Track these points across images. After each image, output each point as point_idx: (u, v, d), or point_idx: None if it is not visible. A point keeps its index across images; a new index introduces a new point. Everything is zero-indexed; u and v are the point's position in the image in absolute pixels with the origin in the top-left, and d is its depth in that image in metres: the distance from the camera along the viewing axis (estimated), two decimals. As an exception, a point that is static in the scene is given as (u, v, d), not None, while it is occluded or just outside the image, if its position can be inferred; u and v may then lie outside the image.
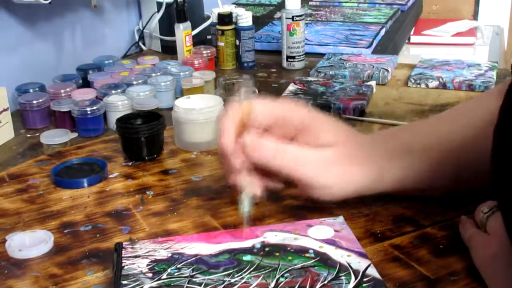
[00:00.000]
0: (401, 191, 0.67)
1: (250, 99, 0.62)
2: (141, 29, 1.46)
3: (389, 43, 1.49)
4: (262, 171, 0.62)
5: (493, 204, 0.60)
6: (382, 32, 1.54)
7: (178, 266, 0.56)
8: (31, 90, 1.06)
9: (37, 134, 0.96)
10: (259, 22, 1.61)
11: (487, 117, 0.54)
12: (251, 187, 0.62)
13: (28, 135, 1.00)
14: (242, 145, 0.60)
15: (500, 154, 0.45)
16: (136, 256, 0.57)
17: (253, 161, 0.61)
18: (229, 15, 1.31)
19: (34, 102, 1.01)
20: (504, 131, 0.44)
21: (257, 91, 0.99)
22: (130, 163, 0.83)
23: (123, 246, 0.59)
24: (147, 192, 0.75)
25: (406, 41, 1.88)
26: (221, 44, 1.31)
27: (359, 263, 0.55)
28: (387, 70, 1.18)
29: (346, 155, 0.63)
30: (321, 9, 1.82)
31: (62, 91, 1.05)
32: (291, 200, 0.72)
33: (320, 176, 0.62)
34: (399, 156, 0.65)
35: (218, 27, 1.32)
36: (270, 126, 0.63)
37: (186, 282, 0.53)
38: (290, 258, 0.56)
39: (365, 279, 0.53)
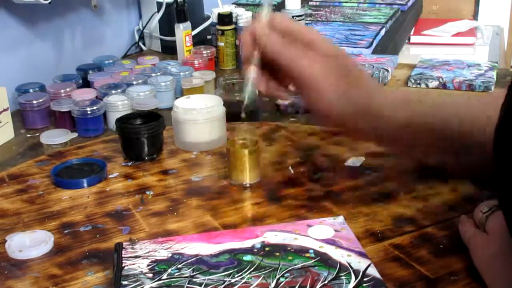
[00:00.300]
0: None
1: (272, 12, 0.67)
2: (141, 29, 1.46)
3: (389, 43, 1.49)
4: (270, 72, 0.68)
5: (492, 204, 0.60)
6: (382, 32, 1.54)
7: (179, 266, 0.56)
8: (31, 90, 1.06)
9: (37, 134, 0.96)
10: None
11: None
12: (256, 80, 0.67)
13: (28, 135, 1.00)
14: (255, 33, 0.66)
15: (502, 151, 0.45)
16: (136, 257, 0.57)
17: (263, 47, 0.65)
18: (229, 15, 1.31)
19: (34, 102, 1.01)
20: (505, 127, 0.44)
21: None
22: (130, 163, 0.83)
23: (123, 246, 0.59)
24: (147, 192, 0.75)
25: (406, 41, 1.88)
26: (221, 44, 1.31)
27: (359, 263, 0.55)
28: (387, 70, 1.18)
29: (346, 67, 0.67)
30: (321, 9, 1.82)
31: (62, 91, 1.05)
32: (291, 200, 0.72)
33: (325, 80, 0.64)
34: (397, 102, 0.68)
35: (218, 27, 1.32)
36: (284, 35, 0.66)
37: (187, 283, 0.53)
38: (290, 258, 0.56)
39: (365, 279, 0.53)
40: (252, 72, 0.67)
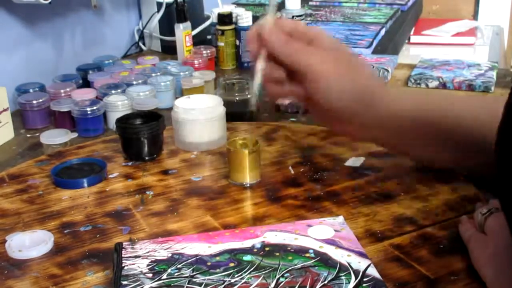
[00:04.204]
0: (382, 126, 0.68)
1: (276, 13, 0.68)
2: (141, 29, 1.46)
3: (389, 43, 1.49)
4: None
5: (491, 205, 0.60)
6: (382, 32, 1.54)
7: (178, 266, 0.56)
8: (31, 90, 1.06)
9: (37, 134, 0.96)
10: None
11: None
12: (264, 72, 0.67)
13: (28, 135, 1.00)
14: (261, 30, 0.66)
15: (504, 150, 0.45)
16: (136, 256, 0.57)
17: (267, 44, 0.66)
18: (229, 15, 1.31)
19: (34, 102, 1.01)
20: (508, 126, 0.44)
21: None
22: (130, 163, 0.83)
23: (123, 246, 0.59)
24: (147, 192, 0.75)
25: (406, 41, 1.88)
26: (221, 44, 1.31)
27: (359, 263, 0.55)
28: (387, 70, 1.18)
29: (348, 60, 0.68)
30: (321, 9, 1.82)
31: (62, 91, 1.05)
32: (291, 200, 0.72)
33: (323, 66, 0.65)
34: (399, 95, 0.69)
35: (218, 27, 1.32)
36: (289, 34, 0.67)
37: (186, 282, 0.53)
38: (290, 258, 0.56)
39: (365, 279, 0.53)
40: (260, 65, 0.67)
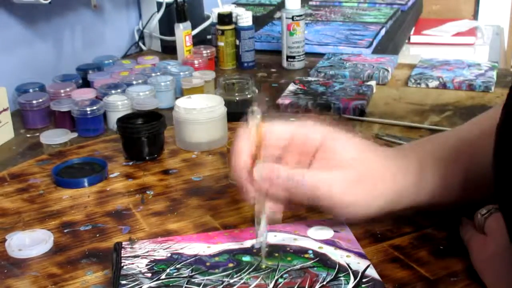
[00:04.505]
0: (429, 204, 0.61)
1: (264, 118, 0.57)
2: (141, 29, 1.46)
3: (389, 43, 1.49)
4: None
5: (491, 206, 0.60)
6: (382, 32, 1.54)
7: (177, 266, 0.56)
8: (31, 90, 1.07)
9: (37, 134, 0.96)
10: (259, 22, 1.61)
11: None
12: (269, 213, 0.58)
13: (28, 135, 1.00)
14: (255, 178, 0.57)
15: (502, 153, 0.45)
16: (135, 256, 0.57)
17: (269, 193, 0.57)
18: (229, 15, 1.31)
19: (34, 102, 1.01)
20: (506, 130, 0.44)
21: (257, 90, 0.99)
22: (130, 163, 0.83)
23: (123, 246, 0.59)
24: (148, 192, 0.75)
25: (406, 41, 1.88)
26: (221, 44, 1.31)
27: (359, 264, 0.55)
28: (387, 70, 1.18)
29: (369, 172, 0.59)
30: (321, 9, 1.82)
31: (62, 91, 1.05)
32: (290, 200, 0.72)
33: (346, 195, 0.57)
34: (427, 166, 0.61)
35: (218, 27, 1.32)
36: (287, 146, 0.59)
37: (185, 283, 0.53)
38: (289, 258, 0.56)
39: (364, 280, 0.53)
40: (260, 209, 0.58)
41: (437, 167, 0.61)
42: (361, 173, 0.58)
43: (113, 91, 1.03)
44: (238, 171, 0.58)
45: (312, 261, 0.56)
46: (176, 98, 0.97)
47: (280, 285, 0.53)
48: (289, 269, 0.55)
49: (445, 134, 0.67)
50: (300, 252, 0.57)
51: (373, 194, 0.59)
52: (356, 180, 0.58)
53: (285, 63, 1.29)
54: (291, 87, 1.12)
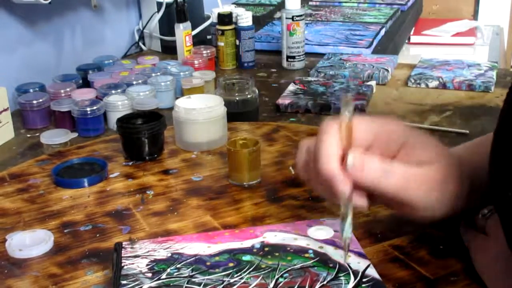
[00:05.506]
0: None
1: (351, 117, 0.55)
2: (141, 29, 1.46)
3: (389, 43, 1.49)
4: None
5: (492, 206, 0.60)
6: (382, 32, 1.54)
7: (178, 266, 0.56)
8: (31, 90, 1.07)
9: (37, 134, 0.96)
10: (259, 22, 1.61)
11: None
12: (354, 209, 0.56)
13: (28, 135, 1.00)
14: (347, 166, 0.54)
15: (499, 156, 0.45)
16: (135, 256, 0.57)
17: (358, 182, 0.54)
18: (229, 15, 1.31)
19: (34, 102, 1.01)
20: (503, 133, 0.44)
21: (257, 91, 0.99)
22: (130, 163, 0.83)
23: (123, 246, 0.59)
24: (148, 192, 0.76)
25: (406, 41, 1.88)
26: (221, 44, 1.31)
27: (359, 264, 0.55)
28: (387, 70, 1.18)
29: (445, 173, 0.56)
30: (321, 9, 1.82)
31: (62, 91, 1.05)
32: (291, 200, 0.72)
33: (427, 198, 0.55)
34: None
35: (218, 27, 1.32)
36: (371, 145, 0.57)
37: (186, 282, 0.53)
38: (289, 258, 0.56)
39: (364, 280, 0.53)
40: (348, 207, 0.56)
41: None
42: (438, 174, 0.56)
43: (113, 91, 1.04)
44: (330, 162, 0.54)
45: (313, 261, 0.56)
46: (176, 98, 0.97)
47: (281, 284, 0.53)
48: (289, 268, 0.55)
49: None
50: (300, 252, 0.57)
51: (447, 199, 0.57)
52: (434, 183, 0.55)
53: (285, 63, 1.29)
54: (291, 87, 1.12)
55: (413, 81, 1.15)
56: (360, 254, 0.57)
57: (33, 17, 1.17)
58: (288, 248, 0.58)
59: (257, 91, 0.99)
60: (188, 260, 0.57)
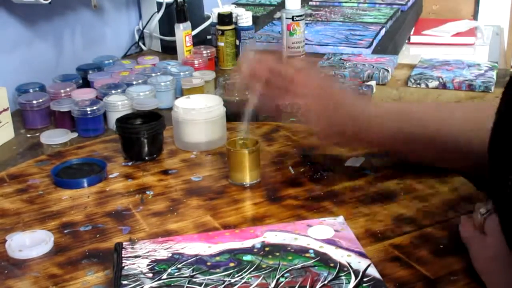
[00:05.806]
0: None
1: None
2: (141, 29, 1.46)
3: (389, 43, 1.49)
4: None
5: (491, 205, 0.60)
6: (382, 32, 1.54)
7: (178, 266, 0.56)
8: (31, 90, 1.06)
9: (37, 134, 0.96)
10: (259, 22, 1.61)
11: None
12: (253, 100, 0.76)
13: (28, 135, 1.00)
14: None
15: (496, 151, 0.45)
16: (136, 256, 0.57)
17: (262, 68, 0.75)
18: (229, 15, 1.31)
19: (34, 102, 1.01)
20: (500, 128, 0.44)
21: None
22: (130, 163, 0.83)
23: (123, 246, 0.59)
24: (147, 192, 0.75)
25: (406, 41, 1.88)
26: (221, 44, 1.31)
27: (359, 263, 0.55)
28: (387, 70, 1.18)
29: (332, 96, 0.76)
30: (321, 9, 1.82)
31: (62, 91, 1.05)
32: (291, 200, 0.72)
33: (315, 81, 0.77)
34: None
35: (218, 27, 1.32)
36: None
37: (186, 282, 0.53)
38: (290, 258, 0.56)
39: (365, 279, 0.53)
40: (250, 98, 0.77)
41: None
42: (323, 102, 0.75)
43: (113, 91, 1.03)
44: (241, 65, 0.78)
45: (313, 261, 0.56)
46: (176, 98, 0.96)
47: (281, 284, 0.53)
48: (290, 268, 0.55)
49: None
50: (301, 252, 0.57)
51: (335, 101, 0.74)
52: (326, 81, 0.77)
53: (285, 63, 1.29)
54: (291, 87, 1.12)
55: (413, 81, 1.15)
56: (360, 254, 0.57)
57: (33, 17, 1.17)
58: (289, 248, 0.58)
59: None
60: (188, 260, 0.56)
